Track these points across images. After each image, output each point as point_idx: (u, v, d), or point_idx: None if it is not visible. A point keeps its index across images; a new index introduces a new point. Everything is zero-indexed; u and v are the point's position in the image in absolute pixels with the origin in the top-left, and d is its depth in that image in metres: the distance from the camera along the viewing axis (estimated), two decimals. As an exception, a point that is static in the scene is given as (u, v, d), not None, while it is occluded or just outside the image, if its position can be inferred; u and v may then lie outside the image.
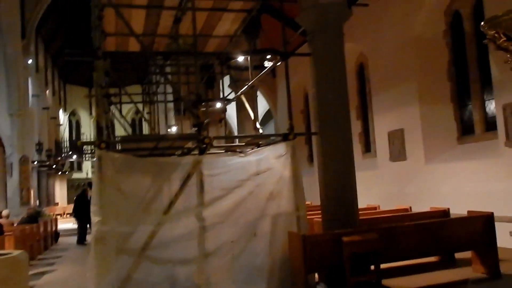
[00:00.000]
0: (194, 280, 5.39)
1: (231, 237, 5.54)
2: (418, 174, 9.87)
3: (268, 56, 7.68)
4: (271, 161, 5.97)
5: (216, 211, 5.51)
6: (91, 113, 34.26)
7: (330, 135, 6.07)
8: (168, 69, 11.48)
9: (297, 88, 16.08)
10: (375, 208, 8.75)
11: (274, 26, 10.19)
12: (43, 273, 8.70)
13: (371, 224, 6.14)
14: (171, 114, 18.72)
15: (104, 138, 5.45)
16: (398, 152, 10.60)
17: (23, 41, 21.19)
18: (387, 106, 11.19)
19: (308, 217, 6.10)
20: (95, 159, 5.23)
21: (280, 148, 6.01)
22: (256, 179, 5.82)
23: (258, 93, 15.24)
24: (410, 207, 8.07)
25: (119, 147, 6.71)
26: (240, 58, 8.39)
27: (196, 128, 5.72)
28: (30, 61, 22.33)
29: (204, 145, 5.51)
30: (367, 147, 13.17)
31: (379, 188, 11.05)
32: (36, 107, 24.22)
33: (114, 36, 7.88)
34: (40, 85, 25.32)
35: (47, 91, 27.57)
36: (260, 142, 7.00)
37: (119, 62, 11.81)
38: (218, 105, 11.83)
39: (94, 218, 5.00)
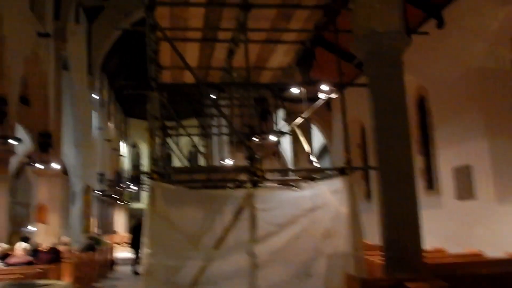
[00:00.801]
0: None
1: (284, 276, 5.25)
2: (489, 215, 9.08)
3: (323, 88, 7.49)
4: (327, 196, 5.68)
5: (269, 248, 5.27)
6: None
7: (390, 170, 5.69)
8: (222, 102, 11.61)
9: (353, 122, 15.68)
10: (441, 251, 8.09)
11: (328, 59, 10.08)
12: (96, 303, 8.75)
13: (438, 269, 5.61)
14: (225, 148, 18.90)
15: (160, 169, 5.45)
16: (465, 190, 9.87)
17: (89, 77, 22.51)
18: (450, 140, 10.56)
19: (366, 258, 5.69)
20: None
21: (337, 183, 5.72)
22: (311, 215, 5.53)
23: (313, 127, 15.03)
24: (481, 252, 7.38)
25: (173, 178, 6.69)
26: (294, 90, 8.28)
27: (249, 161, 5.58)
28: (95, 96, 23.60)
29: (257, 178, 5.33)
30: (430, 184, 12.44)
31: (443, 229, 10.28)
32: (100, 139, 25.37)
33: (170, 70, 8.07)
34: (103, 118, 26.59)
35: (110, 124, 28.88)
36: (315, 176, 6.74)
37: (175, 95, 12.10)
38: (272, 138, 11.72)
39: (145, 250, 4.93)
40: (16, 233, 20.98)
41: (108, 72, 27.29)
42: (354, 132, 16.43)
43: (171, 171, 5.92)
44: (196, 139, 18.72)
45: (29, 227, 16.85)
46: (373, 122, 5.89)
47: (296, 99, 9.69)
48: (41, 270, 6.85)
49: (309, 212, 5.55)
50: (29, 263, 7.51)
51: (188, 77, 8.87)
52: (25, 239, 11.50)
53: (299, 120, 7.58)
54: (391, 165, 5.72)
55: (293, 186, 5.83)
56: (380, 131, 5.76)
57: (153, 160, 5.43)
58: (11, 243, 15.08)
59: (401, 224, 5.55)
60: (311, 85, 7.89)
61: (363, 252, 5.50)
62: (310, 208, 5.58)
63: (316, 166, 7.33)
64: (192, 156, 30.89)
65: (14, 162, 21.08)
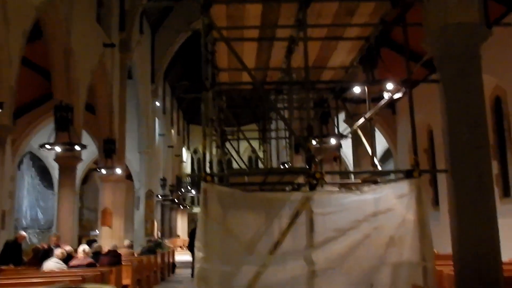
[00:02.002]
0: (302, 332, 4.80)
1: (344, 286, 4.88)
2: None
3: (388, 87, 7.02)
4: (392, 201, 5.23)
5: (327, 255, 4.92)
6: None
7: (464, 174, 5.16)
8: (280, 105, 11.38)
9: (420, 125, 14.86)
10: (520, 264, 7.29)
11: (393, 59, 9.53)
12: (155, 307, 8.78)
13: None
14: (284, 152, 18.66)
15: (214, 172, 5.30)
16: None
17: (153, 85, 23.21)
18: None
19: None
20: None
21: (403, 187, 5.25)
22: (374, 221, 5.11)
23: (377, 131, 14.40)
24: None
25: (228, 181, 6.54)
26: (356, 90, 7.85)
27: (307, 163, 5.27)
28: (158, 104, 24.28)
29: (315, 181, 5.01)
30: (506, 191, 11.45)
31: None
32: (162, 146, 26.05)
33: (227, 72, 7.93)
34: (166, 125, 27.31)
35: (172, 131, 29.62)
36: (379, 180, 6.30)
37: (234, 100, 12.04)
38: (333, 141, 11.27)
39: (198, 255, 4.76)
40: (85, 237, 22.01)
41: (170, 80, 28.05)
42: (421, 136, 15.57)
43: (226, 174, 5.75)
44: (255, 144, 18.68)
45: (97, 231, 17.52)
46: (446, 123, 5.39)
47: (358, 100, 9.24)
48: (98, 273, 6.94)
49: (372, 218, 5.13)
50: (90, 265, 7.65)
51: (246, 80, 8.75)
52: (92, 242, 11.90)
53: (361, 122, 7.15)
54: (466, 168, 5.19)
55: (354, 189, 5.43)
56: (454, 132, 5.25)
57: (208, 163, 5.29)
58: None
59: (476, 233, 5.02)
60: (376, 84, 7.42)
61: (433, 263, 4.99)
62: (372, 213, 5.17)
63: (380, 170, 6.86)
64: (252, 162, 30.94)
65: (82, 169, 22.21)
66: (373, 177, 6.42)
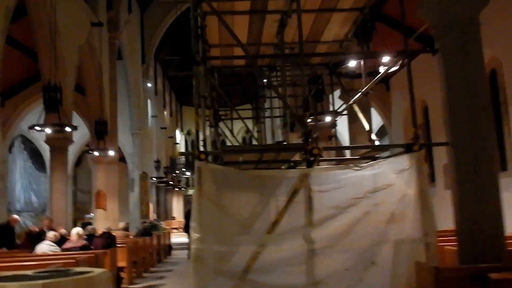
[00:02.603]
0: (301, 311, 4.70)
1: (345, 264, 4.77)
2: None
3: (385, 60, 6.82)
4: (391, 176, 5.09)
5: (327, 233, 4.79)
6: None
7: (466, 146, 5.00)
8: (274, 83, 11.15)
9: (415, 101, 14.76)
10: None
11: (388, 35, 9.29)
12: (152, 287, 8.69)
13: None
14: (279, 131, 18.50)
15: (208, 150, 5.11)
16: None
17: (143, 66, 22.77)
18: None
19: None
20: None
21: (402, 161, 5.10)
22: (373, 197, 4.98)
23: (371, 108, 14.23)
24: None
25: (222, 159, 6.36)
26: (352, 64, 7.64)
27: (304, 139, 5.09)
28: (149, 85, 23.89)
29: (313, 157, 4.85)
30: (503, 165, 11.37)
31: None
32: (155, 127, 25.76)
33: (218, 48, 7.67)
34: (158, 106, 26.95)
35: (165, 112, 29.28)
36: (377, 155, 6.14)
37: (226, 78, 11.78)
38: (328, 119, 11.10)
39: (193, 235, 4.62)
40: (80, 219, 21.89)
41: (161, 60, 27.57)
42: (416, 112, 15.45)
43: (220, 152, 5.57)
44: (249, 125, 18.47)
45: (91, 214, 17.38)
46: (445, 94, 5.20)
47: (353, 75, 9.04)
48: (92, 255, 6.80)
49: (371, 194, 4.99)
50: (83, 248, 7.51)
51: (238, 61, 8.48)
52: (87, 225, 11.75)
53: (358, 97, 6.96)
54: (467, 139, 5.03)
55: (352, 166, 5.27)
56: (453, 103, 5.07)
57: (202, 141, 5.10)
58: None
59: (479, 206, 4.88)
60: (372, 57, 7.21)
61: (435, 238, 4.88)
62: (372, 189, 5.03)
63: (379, 144, 6.70)
64: (246, 143, 30.75)
65: (74, 151, 21.94)
66: (371, 153, 6.26)
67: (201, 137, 5.47)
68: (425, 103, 15.17)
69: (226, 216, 4.82)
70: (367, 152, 6.57)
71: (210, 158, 5.35)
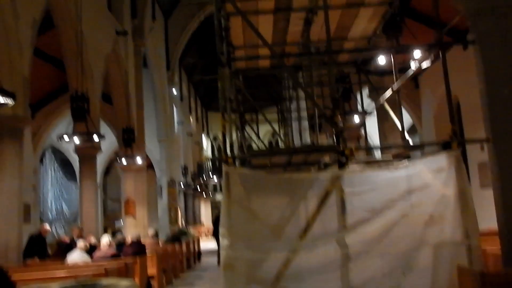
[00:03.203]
0: (337, 320, 4.49)
1: (382, 269, 4.53)
2: None
3: (416, 54, 6.54)
4: (428, 176, 4.83)
5: (362, 237, 4.57)
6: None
7: (508, 141, 4.71)
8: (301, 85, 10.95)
9: (444, 99, 14.26)
10: None
11: (416, 30, 8.96)
12: (182, 295, 8.61)
13: None
14: (306, 134, 18.27)
15: (235, 155, 4.98)
16: None
17: (168, 72, 22.94)
18: None
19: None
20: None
21: (439, 160, 4.84)
22: (410, 198, 4.73)
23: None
24: None
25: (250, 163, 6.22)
26: (381, 60, 7.37)
27: (335, 139, 4.90)
28: (174, 91, 24.04)
29: (345, 158, 4.64)
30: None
31: None
32: (181, 133, 25.89)
33: (243, 51, 7.54)
34: (184, 113, 27.09)
35: (191, 118, 29.42)
36: (410, 155, 5.88)
37: (251, 81, 11.69)
38: (356, 119, 10.83)
39: (223, 241, 4.48)
40: (110, 227, 22.15)
41: (186, 66, 27.74)
42: (446, 110, 14.95)
43: (247, 155, 5.42)
44: (276, 128, 18.32)
45: (121, 221, 17.52)
46: (484, 87, 4.92)
47: (382, 72, 8.76)
48: (122, 264, 6.75)
49: (408, 195, 4.75)
50: (113, 256, 7.48)
51: (263, 60, 8.34)
52: (117, 233, 11.81)
53: (388, 94, 6.70)
54: (509, 136, 4.74)
55: (386, 166, 5.04)
56: (494, 96, 4.78)
57: (229, 145, 4.97)
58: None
59: (525, 206, 4.57)
60: (403, 52, 6.94)
61: (478, 241, 4.59)
62: (408, 190, 4.78)
63: (413, 143, 6.43)
64: (272, 146, 30.58)
65: (103, 160, 22.25)
66: (405, 152, 6.00)
67: (227, 140, 5.33)
68: (456, 99, 14.62)
69: (256, 221, 4.66)
70: (400, 152, 6.31)
71: (237, 162, 5.23)
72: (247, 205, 4.63)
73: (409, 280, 4.51)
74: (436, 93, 14.59)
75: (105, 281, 3.34)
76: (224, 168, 4.70)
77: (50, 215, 20.63)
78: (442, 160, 4.83)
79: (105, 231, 20.65)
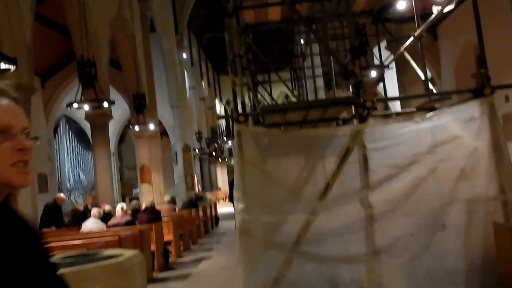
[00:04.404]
0: (362, 283, 4.23)
1: (409, 229, 4.22)
2: None
3: (440, -2, 5.97)
4: (458, 127, 4.43)
5: (387, 196, 4.24)
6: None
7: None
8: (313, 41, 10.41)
9: (466, 48, 13.52)
10: None
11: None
12: (200, 260, 8.49)
13: None
14: (321, 92, 17.74)
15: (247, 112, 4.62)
16: None
17: (177, 37, 22.34)
18: None
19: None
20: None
21: (471, 109, 4.42)
22: (438, 152, 4.36)
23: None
24: None
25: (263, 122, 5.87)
26: (401, 5, 6.81)
27: (354, 91, 4.50)
28: (184, 56, 23.51)
29: (366, 111, 4.26)
30: None
31: None
32: (194, 99, 25.53)
33: (252, 10, 7.03)
34: (196, 77, 26.63)
35: (203, 83, 28.96)
36: (437, 106, 5.45)
37: (262, 38, 11.17)
38: (373, 74, 10.32)
39: (237, 205, 4.20)
40: (128, 195, 22.27)
41: (195, 30, 27.05)
42: (467, 59, 14.20)
43: (260, 112, 5.06)
44: (289, 88, 17.81)
45: (138, 189, 17.51)
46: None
47: (401, 20, 8.18)
48: (136, 231, 6.58)
49: (436, 149, 4.37)
50: (128, 223, 7.33)
51: (273, 12, 7.83)
52: (134, 200, 11.71)
53: (410, 42, 6.20)
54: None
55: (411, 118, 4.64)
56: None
57: (242, 101, 4.61)
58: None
59: None
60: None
61: (514, 195, 4.22)
62: (436, 143, 4.41)
63: (440, 92, 5.98)
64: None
65: (117, 128, 22.13)
66: (429, 104, 5.57)
67: (239, 99, 4.97)
68: (477, 48, 13.93)
69: (272, 183, 4.36)
70: (424, 103, 5.88)
71: (250, 122, 4.89)
72: (261, 166, 4.32)
73: (439, 239, 4.20)
74: (456, 44, 13.86)
75: (108, 251, 3.12)
76: (235, 127, 4.37)
77: (68, 184, 20.77)
78: (473, 109, 4.41)
79: (123, 199, 20.77)
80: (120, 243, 5.66)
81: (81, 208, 9.83)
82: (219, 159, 31.27)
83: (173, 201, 13.37)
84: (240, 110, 4.59)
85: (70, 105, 10.53)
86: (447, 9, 6.54)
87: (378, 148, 4.32)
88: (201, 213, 12.20)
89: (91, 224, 7.40)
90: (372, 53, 11.18)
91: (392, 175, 4.25)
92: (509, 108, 9.46)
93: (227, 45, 4.57)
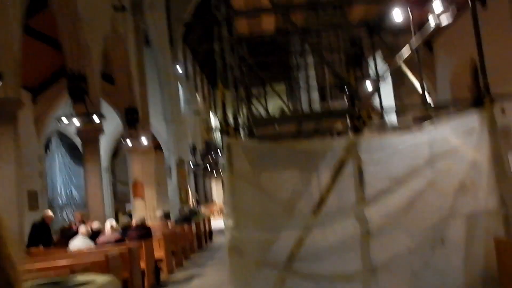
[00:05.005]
0: (359, 303, 4.02)
1: (407, 246, 4.02)
2: None
3: (436, 8, 5.88)
4: (457, 139, 4.27)
5: (383, 210, 4.06)
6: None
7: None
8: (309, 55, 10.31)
9: (462, 61, 13.52)
10: None
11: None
12: (192, 277, 8.23)
13: None
14: (316, 105, 17.62)
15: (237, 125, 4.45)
16: None
17: (172, 50, 22.26)
18: None
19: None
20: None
21: (469, 121, 4.26)
22: (437, 164, 4.19)
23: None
24: None
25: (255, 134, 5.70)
26: (396, 16, 6.69)
27: (350, 102, 4.35)
28: (179, 69, 23.41)
29: (362, 122, 4.10)
30: None
31: None
32: (188, 112, 25.36)
33: (246, 20, 6.90)
34: (190, 91, 26.51)
35: (198, 97, 28.85)
36: (433, 117, 5.30)
37: (256, 51, 11.08)
38: (369, 86, 10.19)
39: (227, 222, 4.00)
40: (121, 211, 21.95)
41: (190, 43, 27.02)
42: (463, 73, 14.19)
43: (251, 124, 4.89)
44: (284, 101, 17.70)
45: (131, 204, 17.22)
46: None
47: (397, 32, 8.08)
48: (125, 249, 6.34)
49: (434, 161, 4.20)
50: (118, 241, 7.09)
51: (267, 23, 7.72)
52: (129, 216, 11.45)
53: (405, 54, 6.08)
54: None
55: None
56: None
57: (231, 115, 4.45)
58: (118, 220, 15.50)
59: None
60: (420, 4, 6.27)
61: (516, 209, 4.05)
62: (434, 155, 4.24)
63: (438, 102, 5.84)
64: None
65: (110, 142, 21.91)
66: (426, 114, 5.42)
67: (230, 111, 4.79)
68: (474, 61, 13.89)
69: (264, 198, 4.17)
70: (421, 114, 5.74)
71: (243, 136, 4.72)
72: (253, 180, 4.13)
73: (439, 255, 4.01)
74: (452, 56, 13.89)
75: (80, 277, 2.90)
76: (225, 140, 4.19)
77: (60, 201, 20.43)
78: (472, 120, 4.26)
79: (116, 214, 20.45)
80: (107, 263, 5.42)
81: (65, 226, 9.52)
82: (214, 172, 30.99)
83: (166, 216, 13.13)
84: (232, 124, 4.42)
85: (59, 119, 10.35)
86: (444, 20, 6.44)
87: (374, 161, 4.15)
88: (194, 228, 11.94)
89: (79, 243, 7.14)
90: (368, 65, 11.10)
91: (388, 189, 4.08)
92: (505, 121, 9.36)
93: (216, 55, 4.42)
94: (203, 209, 21.23)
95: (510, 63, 8.62)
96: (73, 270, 4.61)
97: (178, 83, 23.29)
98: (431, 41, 15.91)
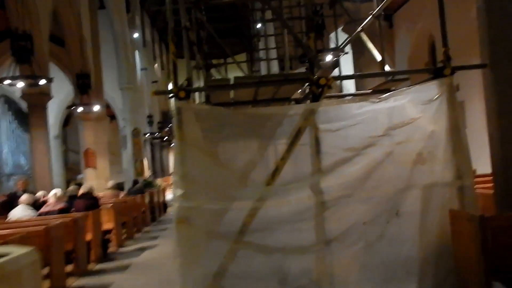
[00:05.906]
0: (312, 275, 3.91)
1: (363, 217, 3.93)
2: None
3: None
4: (417, 109, 4.16)
5: (340, 181, 3.92)
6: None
7: (507, 67, 4.05)
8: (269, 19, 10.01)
9: (420, 39, 13.58)
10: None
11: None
12: (143, 250, 7.97)
13: None
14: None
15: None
16: None
17: (128, 15, 21.26)
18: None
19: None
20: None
21: (429, 90, 4.15)
22: (396, 134, 4.07)
23: (372, 47, 13.10)
24: None
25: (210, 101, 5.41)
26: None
27: (308, 68, 4.13)
28: (136, 35, 22.46)
29: (320, 89, 3.90)
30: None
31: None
32: (146, 81, 24.54)
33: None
34: (148, 59, 25.60)
35: (156, 65, 27.93)
36: (392, 88, 5.18)
37: (216, 17, 10.67)
38: (329, 58, 10.03)
39: (175, 191, 3.75)
40: (73, 180, 21.15)
41: (149, 10, 25.92)
42: (421, 48, 14.26)
43: (205, 87, 4.60)
44: (244, 71, 17.36)
45: (82, 174, 16.59)
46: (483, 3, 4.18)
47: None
48: (69, 219, 5.98)
49: (393, 131, 4.08)
50: (62, 211, 6.69)
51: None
52: (79, 185, 10.91)
53: (367, 21, 5.89)
54: (508, 62, 4.07)
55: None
56: (495, 11, 4.05)
57: (177, 76, 4.14)
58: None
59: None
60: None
61: (472, 181, 4.02)
62: (393, 125, 4.11)
63: (398, 71, 5.74)
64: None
65: (61, 110, 20.91)
66: (385, 85, 5.30)
67: (184, 77, 4.47)
68: (432, 38, 14.00)
69: (215, 166, 3.93)
70: (379, 85, 5.62)
71: (197, 100, 4.43)
72: (204, 147, 3.88)
73: (394, 227, 3.93)
74: (411, 31, 13.88)
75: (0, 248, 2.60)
76: (175, 103, 3.89)
77: (6, 169, 19.41)
78: (431, 91, 4.15)
79: (67, 184, 19.69)
80: (47, 233, 5.07)
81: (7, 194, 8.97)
82: (172, 144, 30.44)
83: (119, 187, 12.69)
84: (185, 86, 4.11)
85: (1, 80, 9.63)
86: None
87: (332, 130, 3.98)
88: (147, 199, 11.60)
89: (19, 212, 6.70)
90: (329, 37, 10.94)
91: (346, 159, 3.93)
92: (460, 96, 9.47)
93: (167, 10, 4.07)
94: (159, 181, 20.82)
95: (465, 38, 8.65)
96: (8, 241, 4.24)
97: (136, 50, 22.39)
98: (391, 16, 15.94)
